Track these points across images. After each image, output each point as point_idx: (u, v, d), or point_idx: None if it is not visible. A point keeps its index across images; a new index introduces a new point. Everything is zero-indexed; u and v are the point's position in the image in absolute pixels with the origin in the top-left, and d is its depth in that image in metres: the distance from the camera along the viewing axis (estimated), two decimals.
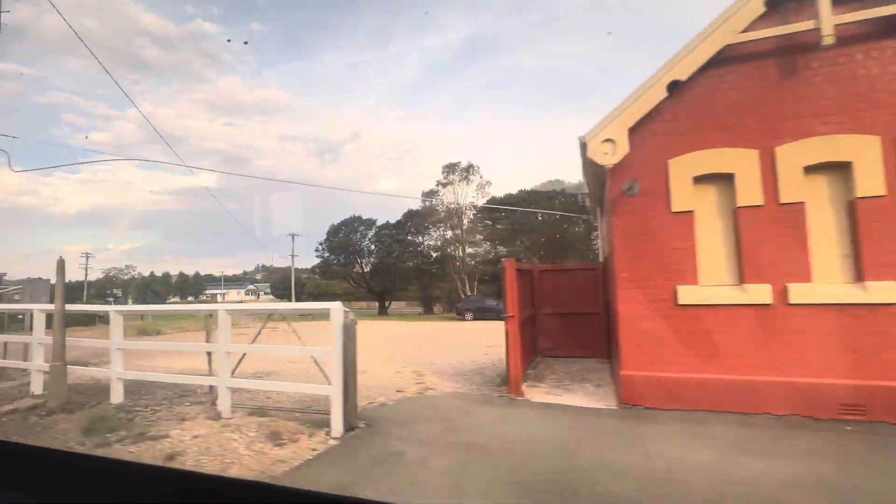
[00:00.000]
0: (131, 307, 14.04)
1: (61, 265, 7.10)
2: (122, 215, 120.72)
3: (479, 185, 41.97)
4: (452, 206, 41.27)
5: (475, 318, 30.63)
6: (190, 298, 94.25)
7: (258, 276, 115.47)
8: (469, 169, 41.57)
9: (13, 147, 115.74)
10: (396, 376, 9.03)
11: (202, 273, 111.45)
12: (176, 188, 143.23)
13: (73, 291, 64.67)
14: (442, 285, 43.28)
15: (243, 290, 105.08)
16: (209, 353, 6.52)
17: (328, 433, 5.28)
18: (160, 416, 6.10)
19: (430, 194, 43.41)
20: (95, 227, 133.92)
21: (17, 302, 10.53)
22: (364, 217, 48.95)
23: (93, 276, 68.39)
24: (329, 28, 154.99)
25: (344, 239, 48.41)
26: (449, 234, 43.16)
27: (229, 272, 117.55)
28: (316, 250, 50.38)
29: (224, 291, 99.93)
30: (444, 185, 41.97)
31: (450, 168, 41.79)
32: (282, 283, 77.96)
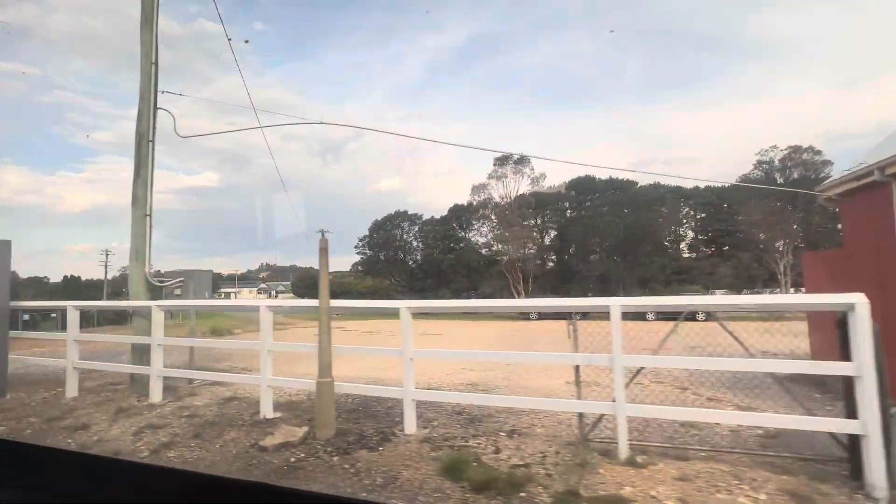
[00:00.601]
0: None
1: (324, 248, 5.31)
2: (125, 214, 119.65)
3: (533, 178, 40.34)
4: (504, 200, 39.62)
5: (540, 318, 28.61)
6: (206, 295, 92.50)
7: (263, 275, 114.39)
8: (522, 161, 39.93)
9: (17, 146, 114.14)
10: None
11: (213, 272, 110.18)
12: (179, 187, 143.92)
13: (92, 291, 63.16)
14: (492, 282, 41.49)
15: (255, 289, 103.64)
16: (576, 367, 4.67)
17: (865, 491, 3.48)
18: (546, 460, 4.26)
19: (479, 189, 41.71)
20: (99, 225, 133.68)
21: (177, 297, 8.71)
22: (410, 212, 47.24)
23: (104, 274, 65.44)
24: (331, 28, 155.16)
25: (386, 235, 46.68)
26: (500, 231, 41.42)
27: (230, 271, 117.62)
28: (356, 247, 48.71)
29: (237, 290, 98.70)
30: (496, 179, 40.28)
31: (502, 161, 40.12)
32: (302, 282, 77.37)
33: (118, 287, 77.17)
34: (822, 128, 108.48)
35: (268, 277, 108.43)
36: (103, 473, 1.05)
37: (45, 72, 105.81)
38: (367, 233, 47.83)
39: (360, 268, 52.14)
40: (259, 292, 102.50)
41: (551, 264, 42.29)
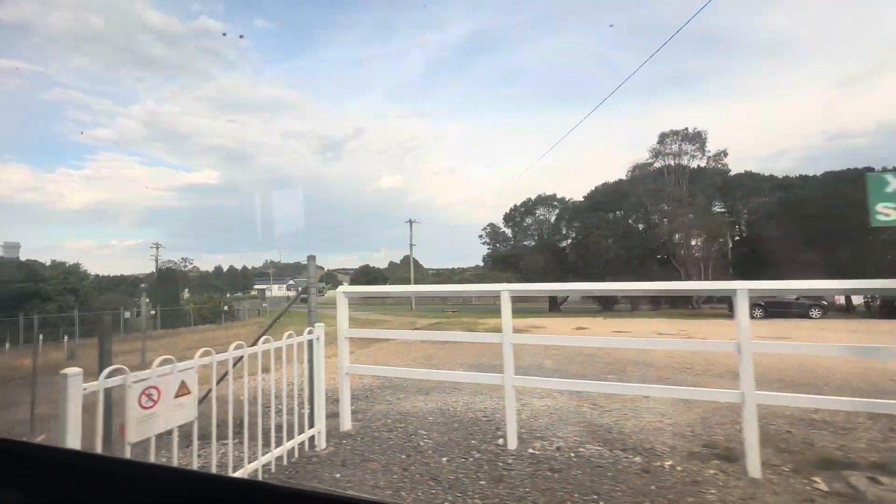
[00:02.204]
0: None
1: None
2: (125, 212, 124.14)
3: (713, 156, 35.50)
4: (673, 180, 34.64)
5: (767, 315, 23.64)
6: (238, 294, 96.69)
7: (269, 272, 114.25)
8: (697, 137, 35.38)
9: (18, 143, 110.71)
10: None
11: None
12: (180, 185, 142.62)
13: (131, 287, 62.22)
14: (654, 273, 35.54)
15: (284, 286, 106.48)
16: None
17: None
18: None
19: (641, 167, 37.68)
20: (99, 223, 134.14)
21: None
22: (546, 194, 43.28)
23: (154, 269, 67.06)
24: (331, 24, 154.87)
25: (519, 224, 43.89)
26: (676, 214, 35.72)
27: (228, 268, 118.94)
28: (479, 237, 48.17)
29: (268, 286, 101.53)
30: (660, 156, 35.88)
31: (667, 136, 36.09)
32: (363, 277, 78.53)
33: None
34: (822, 126, 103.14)
35: (273, 274, 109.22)
36: (101, 473, 1.05)
37: (45, 69, 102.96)
38: (502, 222, 45.38)
39: (488, 260, 48.50)
40: (288, 289, 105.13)
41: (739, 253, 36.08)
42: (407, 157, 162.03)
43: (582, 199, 43.96)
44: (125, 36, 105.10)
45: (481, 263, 53.69)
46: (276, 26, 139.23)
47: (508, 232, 48.60)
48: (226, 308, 37.32)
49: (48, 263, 34.95)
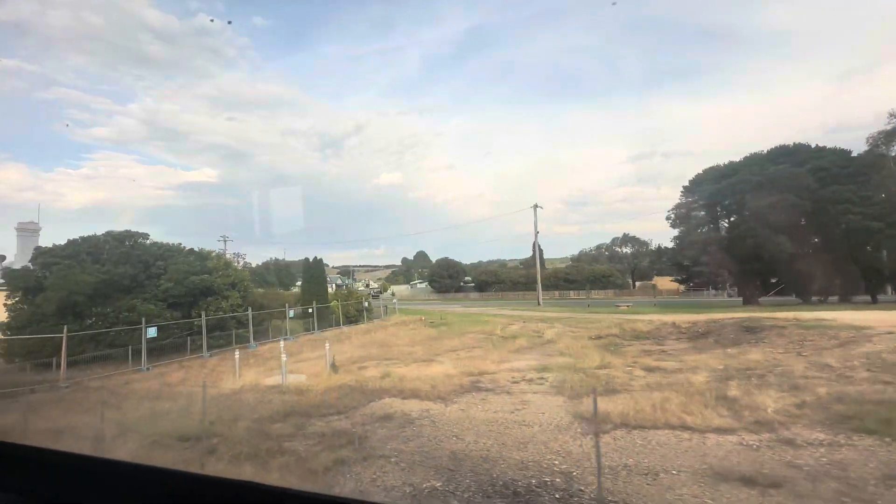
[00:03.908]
0: None
1: None
2: (124, 210, 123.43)
3: None
4: None
5: None
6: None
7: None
8: None
9: (16, 143, 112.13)
10: None
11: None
12: (179, 183, 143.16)
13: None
14: None
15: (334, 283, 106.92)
16: None
17: None
18: None
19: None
20: (97, 222, 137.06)
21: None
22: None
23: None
24: (329, 21, 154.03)
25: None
26: None
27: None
28: (668, 219, 45.35)
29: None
30: None
31: None
32: (446, 271, 73.72)
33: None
34: (820, 119, 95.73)
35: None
36: (97, 474, 1.06)
37: (44, 68, 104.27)
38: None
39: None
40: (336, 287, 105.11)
41: None
42: (406, 154, 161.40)
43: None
44: (124, 34, 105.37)
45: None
46: (275, 24, 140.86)
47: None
48: (366, 305, 33.96)
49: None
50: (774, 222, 39.64)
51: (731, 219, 58.97)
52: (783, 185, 39.91)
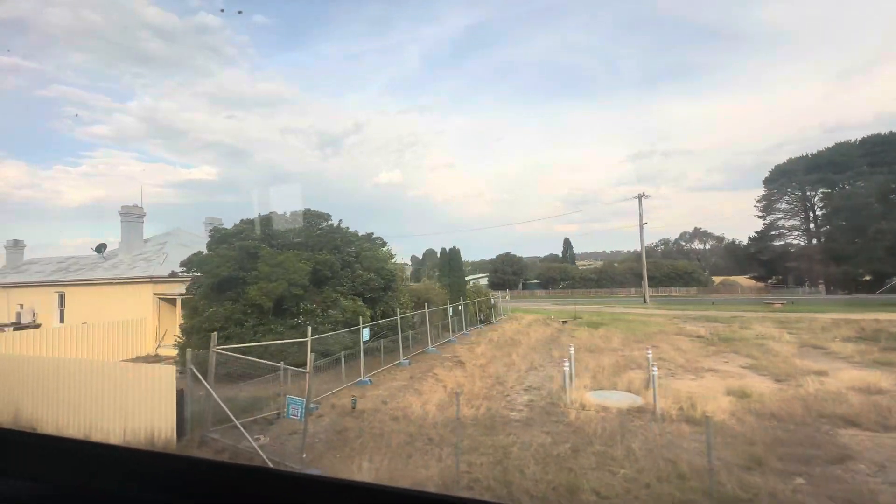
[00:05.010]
0: None
1: None
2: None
3: None
4: None
5: None
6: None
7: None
8: None
9: (15, 140, 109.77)
10: None
11: None
12: (178, 181, 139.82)
13: None
14: None
15: None
16: None
17: None
18: None
19: None
20: (97, 219, 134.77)
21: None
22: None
23: None
24: (329, 19, 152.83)
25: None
26: None
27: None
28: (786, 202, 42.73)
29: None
30: None
31: None
32: (510, 266, 69.03)
33: None
34: (820, 118, 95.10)
35: None
36: (102, 460, 1.12)
37: (43, 66, 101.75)
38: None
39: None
40: None
41: None
42: (406, 153, 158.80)
43: None
44: (123, 32, 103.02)
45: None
46: (275, 22, 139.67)
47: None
48: (493, 303, 32.24)
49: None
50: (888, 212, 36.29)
51: (825, 210, 55.46)
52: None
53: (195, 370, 7.99)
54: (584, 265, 75.31)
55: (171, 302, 20.19)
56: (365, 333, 13.47)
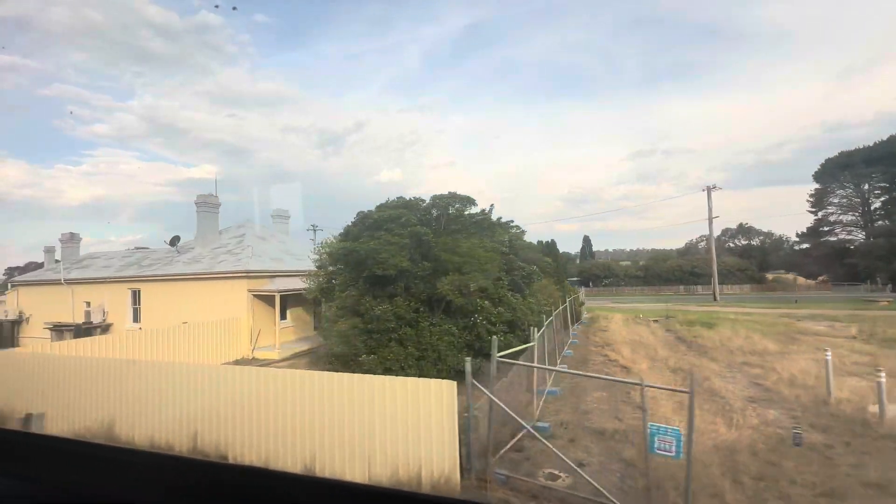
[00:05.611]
0: None
1: None
2: (123, 207, 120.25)
3: None
4: None
5: None
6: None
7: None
8: None
9: (16, 139, 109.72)
10: None
11: None
12: (179, 179, 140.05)
13: None
14: None
15: None
16: None
17: None
18: None
19: None
20: (97, 219, 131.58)
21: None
22: None
23: None
24: (329, 18, 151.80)
25: None
26: None
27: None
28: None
29: None
30: None
31: None
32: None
33: None
34: (820, 117, 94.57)
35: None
36: (102, 460, 1.09)
37: (44, 65, 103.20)
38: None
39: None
40: None
41: None
42: (406, 152, 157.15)
43: None
44: (124, 31, 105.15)
45: None
46: (275, 21, 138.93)
47: None
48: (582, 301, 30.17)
49: None
50: None
51: (888, 206, 53.34)
52: None
53: (478, 384, 5.96)
54: (624, 263, 73.08)
55: (266, 300, 18.23)
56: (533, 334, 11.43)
